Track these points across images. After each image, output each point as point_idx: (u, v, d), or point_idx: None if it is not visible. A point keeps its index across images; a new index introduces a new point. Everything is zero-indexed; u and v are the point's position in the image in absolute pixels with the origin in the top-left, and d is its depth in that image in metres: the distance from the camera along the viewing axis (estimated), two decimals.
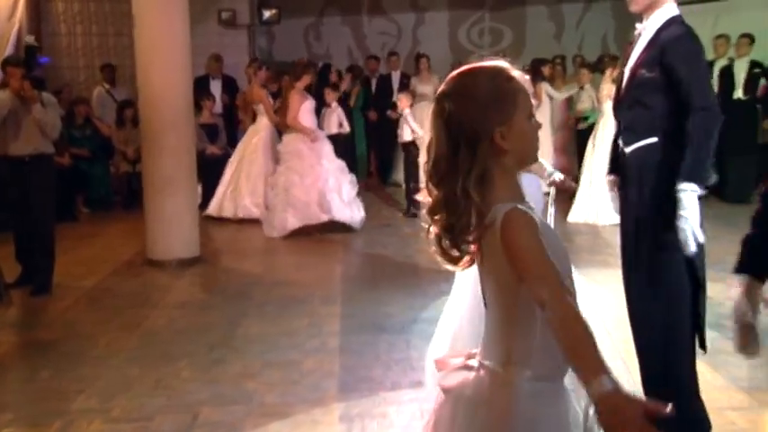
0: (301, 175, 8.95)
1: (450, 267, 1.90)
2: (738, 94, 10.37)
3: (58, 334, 5.72)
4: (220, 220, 9.68)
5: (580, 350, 1.62)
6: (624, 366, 3.61)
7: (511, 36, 15.60)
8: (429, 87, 12.24)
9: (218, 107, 11.40)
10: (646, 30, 3.42)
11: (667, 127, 3.30)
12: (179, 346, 5.35)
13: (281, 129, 9.41)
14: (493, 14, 15.39)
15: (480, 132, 1.77)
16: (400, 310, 5.96)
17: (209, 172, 10.07)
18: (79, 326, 5.93)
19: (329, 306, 6.21)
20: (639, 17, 3.47)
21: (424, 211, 1.91)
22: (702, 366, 3.78)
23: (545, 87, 11.41)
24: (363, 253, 8.24)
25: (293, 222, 8.80)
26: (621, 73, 3.57)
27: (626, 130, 3.48)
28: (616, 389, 1.52)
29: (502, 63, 1.87)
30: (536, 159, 1.95)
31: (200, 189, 9.10)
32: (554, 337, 1.65)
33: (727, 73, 10.41)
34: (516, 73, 1.85)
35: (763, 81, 10.45)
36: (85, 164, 10.63)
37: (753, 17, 10.89)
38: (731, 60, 10.48)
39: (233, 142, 10.93)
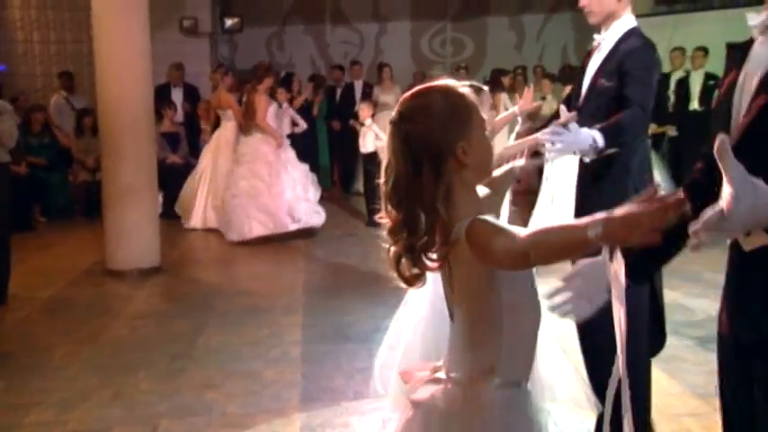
0: (269, 183, 8.93)
1: (406, 287, 1.92)
2: (694, 105, 10.55)
3: (13, 346, 5.60)
4: (181, 229, 9.61)
5: (566, 230, 1.66)
6: (576, 374, 3.61)
7: (472, 46, 15.71)
8: (391, 97, 12.28)
9: (180, 116, 11.32)
10: (605, 41, 3.47)
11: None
12: (139, 357, 5.28)
13: (243, 132, 9.31)
14: (455, 25, 15.49)
15: (444, 149, 1.80)
16: (362, 318, 5.94)
17: (171, 181, 10.02)
18: (36, 337, 5.83)
19: (291, 315, 6.18)
20: (598, 28, 3.51)
21: (384, 233, 1.91)
22: (659, 374, 3.82)
23: (504, 98, 11.50)
24: (326, 262, 8.22)
25: (259, 230, 8.77)
26: (580, 82, 3.60)
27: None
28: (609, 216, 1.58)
29: (449, 81, 1.93)
30: (491, 172, 1.99)
31: (161, 198, 9.04)
32: (550, 253, 1.69)
33: (684, 85, 10.59)
34: (465, 89, 1.90)
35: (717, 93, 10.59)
36: (43, 172, 10.47)
37: (707, 30, 11.08)
38: (687, 72, 10.67)
39: (195, 151, 10.86)
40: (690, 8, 11.71)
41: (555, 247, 1.66)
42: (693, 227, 1.62)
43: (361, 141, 9.73)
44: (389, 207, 1.86)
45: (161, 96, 10.47)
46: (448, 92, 1.88)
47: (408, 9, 15.37)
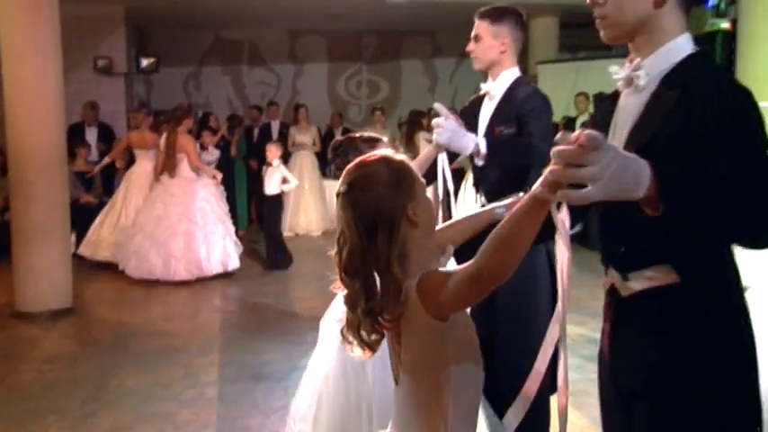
0: (201, 227, 8.83)
1: (365, 354, 1.91)
2: None
3: None
4: (95, 268, 9.32)
5: (506, 224, 1.62)
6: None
7: (387, 88, 15.90)
8: (307, 137, 12.30)
9: (94, 155, 11.09)
10: (496, 89, 3.55)
11: (534, 181, 3.34)
12: (48, 402, 5.05)
13: (170, 172, 9.13)
14: (370, 67, 15.66)
15: (396, 213, 1.83)
16: (279, 357, 5.84)
17: (84, 220, 9.72)
18: None
19: (206, 355, 6.03)
20: (485, 76, 3.62)
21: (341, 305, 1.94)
22: None
23: (423, 136, 11.65)
24: (243, 301, 8.08)
25: (183, 274, 8.63)
26: (472, 130, 3.57)
27: (492, 190, 3.45)
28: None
29: (386, 150, 2.03)
30: (435, 226, 2.03)
31: (73, 238, 8.80)
32: (501, 252, 1.63)
33: (588, 127, 10.85)
34: (401, 156, 1.97)
35: None
36: None
37: (608, 77, 11.42)
38: (591, 116, 10.96)
39: (109, 190, 10.65)
40: (591, 56, 12.11)
41: (501, 239, 1.62)
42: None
43: (266, 182, 9.43)
44: (345, 277, 1.87)
45: (75, 135, 10.28)
46: (388, 159, 1.93)
47: (324, 51, 15.49)
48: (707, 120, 1.75)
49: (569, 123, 11.49)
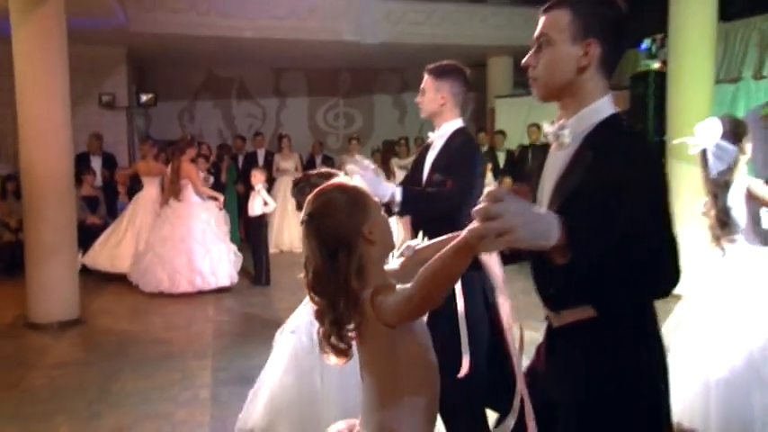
0: (203, 244, 8.82)
1: (340, 361, 1.92)
2: None
3: None
4: (100, 283, 9.24)
5: (437, 261, 1.62)
6: None
7: (362, 120, 15.95)
8: (290, 163, 12.29)
9: (99, 181, 11.03)
10: (438, 138, 3.56)
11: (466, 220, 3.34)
12: (57, 404, 5.00)
13: (175, 196, 9.12)
14: (346, 101, 15.70)
15: (352, 235, 1.86)
16: (266, 362, 5.80)
17: (90, 240, 9.69)
18: None
19: (201, 360, 6.00)
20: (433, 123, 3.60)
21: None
22: None
23: (396, 162, 11.73)
24: (233, 311, 8.03)
25: (186, 287, 8.63)
26: (418, 175, 3.61)
27: (425, 228, 3.31)
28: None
29: (341, 178, 2.08)
30: (394, 245, 2.02)
31: (80, 255, 8.75)
32: (430, 281, 1.64)
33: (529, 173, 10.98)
34: (354, 182, 2.01)
35: None
36: None
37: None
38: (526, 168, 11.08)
39: (112, 213, 10.65)
40: None
41: (432, 273, 1.64)
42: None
43: (250, 204, 9.36)
44: (313, 295, 1.91)
45: (81, 163, 10.20)
46: (343, 186, 1.96)
47: (305, 86, 15.50)
48: (617, 178, 1.77)
49: (523, 151, 11.62)
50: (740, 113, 9.40)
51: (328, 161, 13.31)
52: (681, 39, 8.28)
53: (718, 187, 3.82)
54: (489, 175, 10.26)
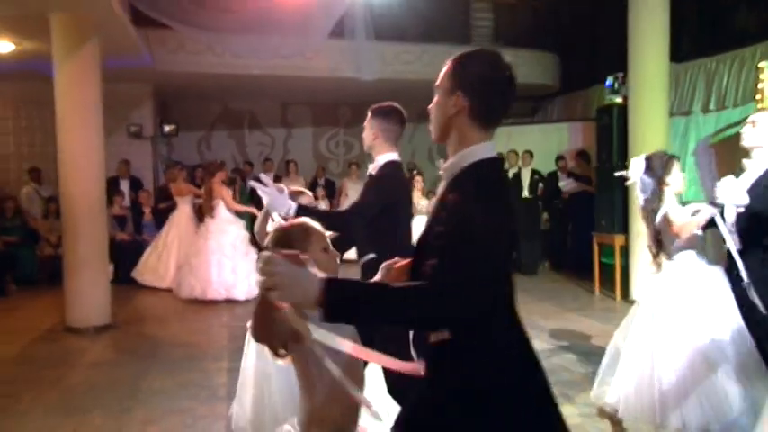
0: (230, 258, 8.90)
1: (282, 363, 2.00)
2: (525, 194, 10.98)
3: None
4: (129, 292, 9.29)
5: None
6: None
7: (359, 147, 16.00)
8: (297, 186, 12.34)
9: (127, 201, 11.11)
10: (372, 168, 3.66)
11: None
12: (93, 399, 5.07)
13: (207, 214, 9.24)
14: (346, 130, 15.78)
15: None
16: None
17: (120, 253, 9.80)
18: (4, 385, 5.49)
19: (218, 361, 6.06)
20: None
21: None
22: None
23: None
24: (245, 318, 8.02)
25: (215, 294, 8.71)
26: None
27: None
28: None
29: (302, 219, 2.19)
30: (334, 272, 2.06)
31: (111, 267, 8.83)
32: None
33: (517, 178, 11.04)
34: (300, 219, 2.18)
35: (540, 185, 11.11)
36: (14, 248, 9.99)
37: (533, 138, 11.72)
38: (519, 169, 11.15)
39: (138, 230, 10.78)
40: (517, 122, 12.40)
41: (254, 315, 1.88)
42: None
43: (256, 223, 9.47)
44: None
45: (112, 186, 10.28)
46: (298, 225, 2.12)
47: (310, 118, 15.59)
48: (444, 224, 1.75)
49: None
50: (691, 144, 9.55)
51: (330, 184, 13.42)
52: (638, 76, 8.44)
53: (647, 213, 3.96)
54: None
